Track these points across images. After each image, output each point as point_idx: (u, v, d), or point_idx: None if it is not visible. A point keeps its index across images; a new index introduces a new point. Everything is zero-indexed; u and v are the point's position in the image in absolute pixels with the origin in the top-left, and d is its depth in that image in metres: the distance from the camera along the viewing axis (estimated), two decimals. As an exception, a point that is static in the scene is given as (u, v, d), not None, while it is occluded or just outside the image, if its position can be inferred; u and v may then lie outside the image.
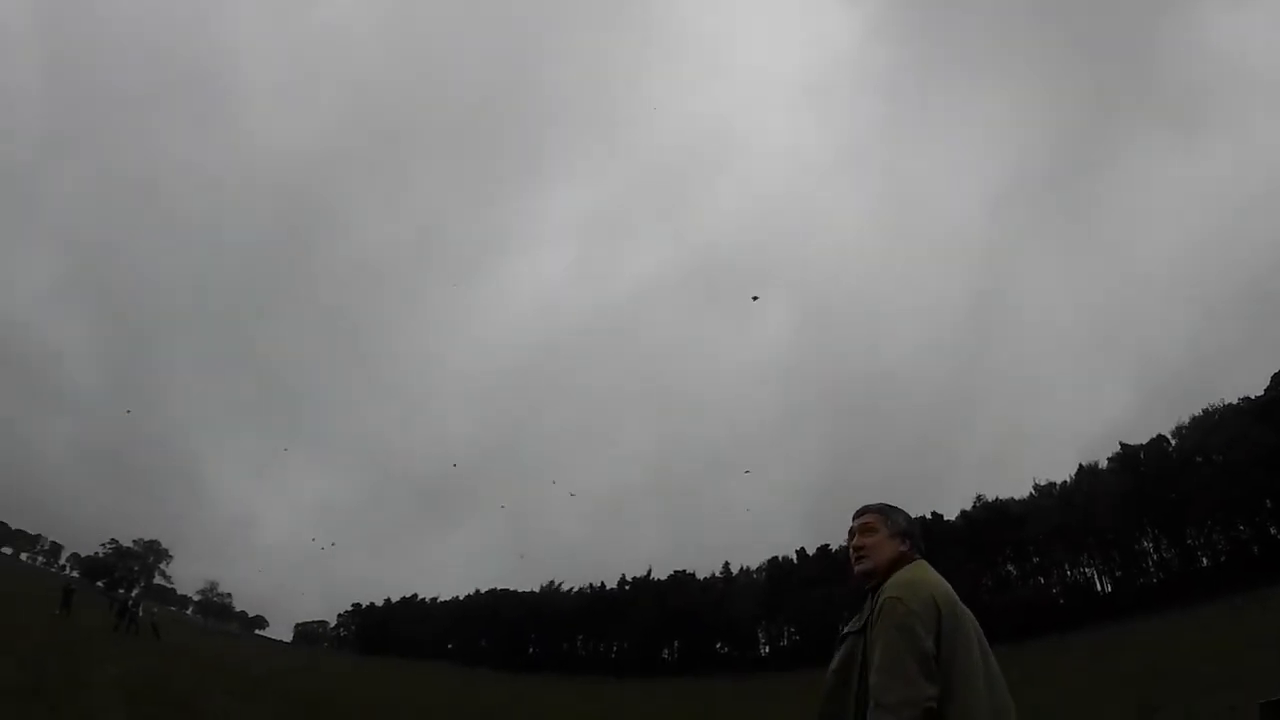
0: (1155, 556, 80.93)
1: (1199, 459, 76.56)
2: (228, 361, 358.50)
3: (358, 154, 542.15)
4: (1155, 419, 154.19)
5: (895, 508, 3.43)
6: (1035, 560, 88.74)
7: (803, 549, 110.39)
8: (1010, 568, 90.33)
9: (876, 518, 3.39)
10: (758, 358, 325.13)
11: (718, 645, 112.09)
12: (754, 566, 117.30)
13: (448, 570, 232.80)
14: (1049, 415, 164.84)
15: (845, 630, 3.23)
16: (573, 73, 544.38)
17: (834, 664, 3.18)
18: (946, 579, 3.12)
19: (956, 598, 3.02)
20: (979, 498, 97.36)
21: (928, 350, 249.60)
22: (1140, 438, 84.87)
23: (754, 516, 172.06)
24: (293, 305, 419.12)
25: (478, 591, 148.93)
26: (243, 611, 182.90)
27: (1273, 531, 71.02)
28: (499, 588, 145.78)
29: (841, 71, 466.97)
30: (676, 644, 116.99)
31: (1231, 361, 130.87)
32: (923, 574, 3.11)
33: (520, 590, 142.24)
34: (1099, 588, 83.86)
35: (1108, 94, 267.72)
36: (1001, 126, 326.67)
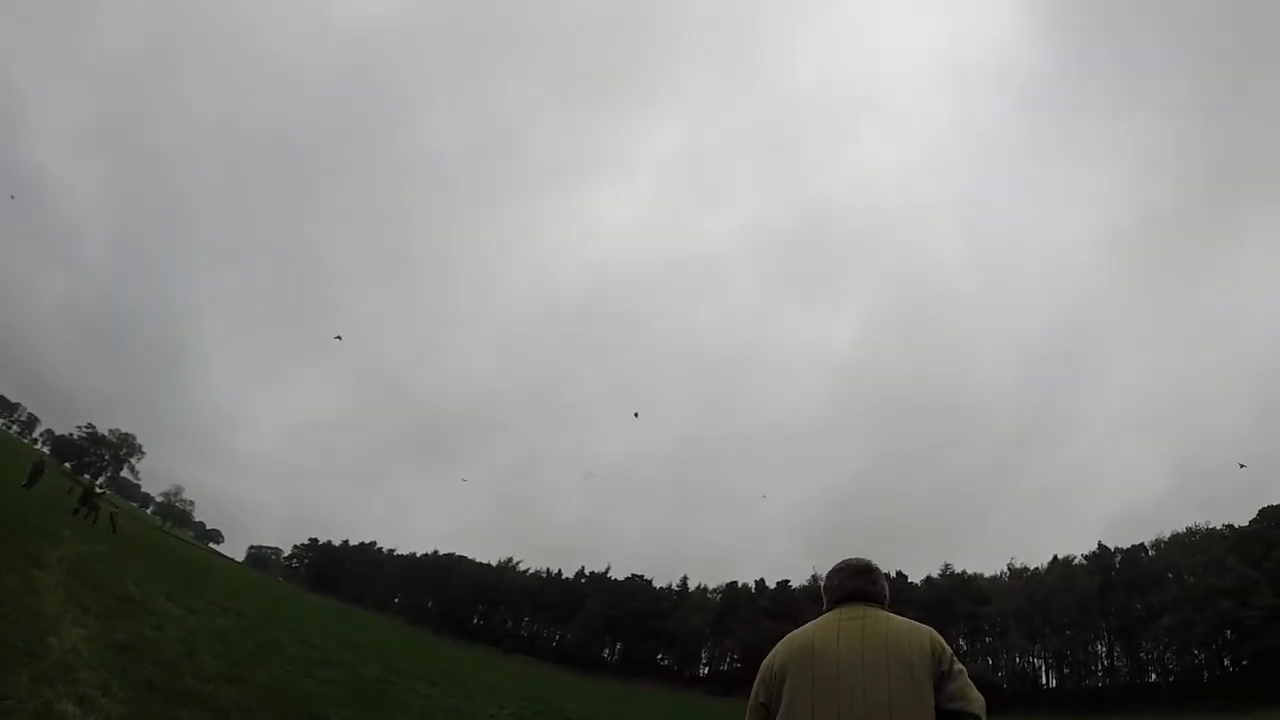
0: (1106, 662, 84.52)
1: (1170, 576, 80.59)
2: (253, 247, 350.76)
3: (444, 37, 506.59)
4: (1173, 514, 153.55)
5: (830, 569, 3.85)
6: (988, 640, 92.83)
7: (762, 580, 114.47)
8: (962, 642, 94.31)
9: None
10: (819, 351, 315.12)
11: (659, 655, 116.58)
12: (712, 587, 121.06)
13: (415, 519, 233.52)
14: (1089, 484, 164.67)
15: None
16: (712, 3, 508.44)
17: None
18: None
19: (808, 643, 3.41)
20: (946, 566, 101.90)
21: (993, 385, 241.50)
22: (1150, 534, 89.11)
23: (756, 529, 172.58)
24: (340, 196, 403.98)
25: (435, 552, 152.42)
26: (201, 522, 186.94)
27: (1226, 663, 74.66)
28: (456, 553, 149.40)
29: (989, 66, 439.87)
30: (619, 645, 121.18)
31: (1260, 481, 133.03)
32: (792, 633, 3.58)
33: (477, 560, 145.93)
34: (1044, 680, 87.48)
35: (1255, 163, 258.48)
36: (1138, 166, 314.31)
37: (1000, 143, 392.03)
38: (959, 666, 3.29)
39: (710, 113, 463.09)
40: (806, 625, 3.62)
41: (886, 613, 3.55)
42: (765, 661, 3.57)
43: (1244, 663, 71.18)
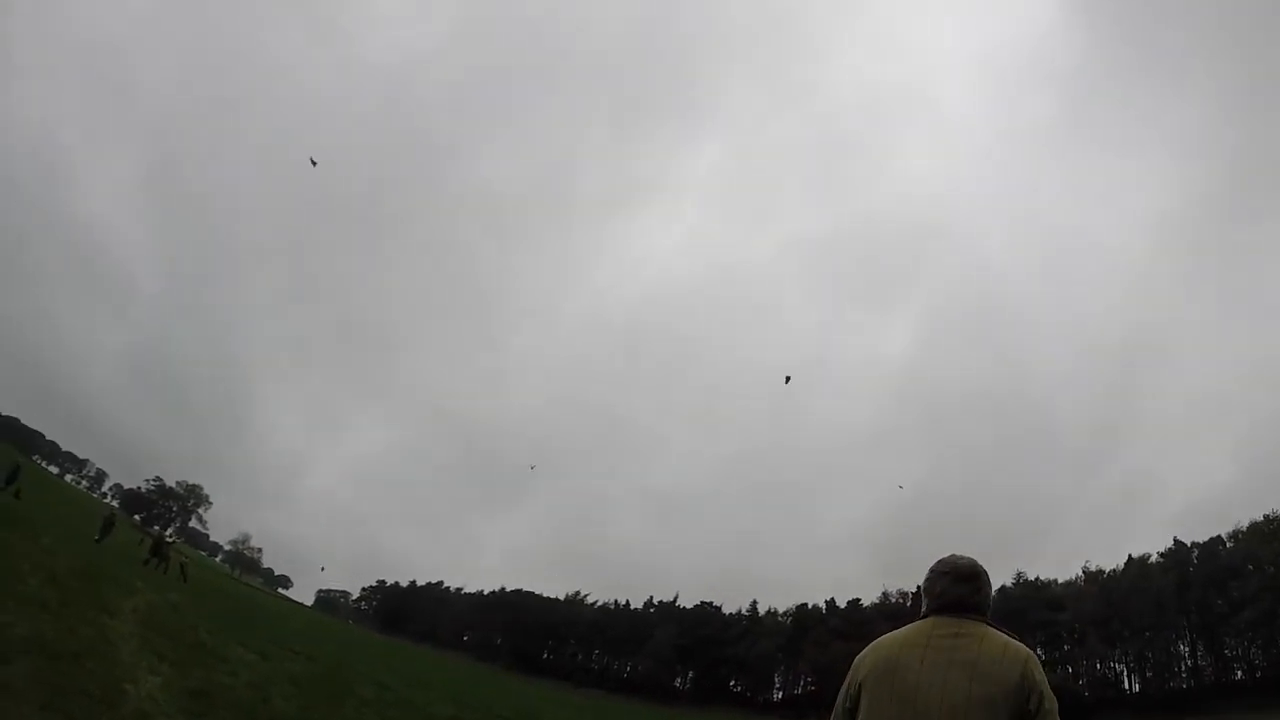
0: (1190, 662, 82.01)
1: (1250, 567, 77.92)
2: (309, 292, 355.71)
3: (488, 75, 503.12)
4: (1250, 503, 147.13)
5: (932, 568, 3.64)
6: (1066, 648, 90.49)
7: (832, 599, 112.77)
8: (1039, 651, 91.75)
9: None
10: (879, 362, 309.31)
11: (731, 682, 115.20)
12: (782, 609, 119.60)
13: (482, 557, 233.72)
14: (1162, 479, 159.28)
15: None
16: (745, 15, 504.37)
17: None
18: None
19: (893, 653, 3.32)
20: (1019, 574, 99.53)
21: (1056, 385, 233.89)
22: (1227, 526, 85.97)
23: (821, 548, 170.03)
24: (394, 235, 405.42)
25: (503, 589, 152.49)
26: (269, 569, 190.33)
27: (1315, 653, 71.70)
28: (524, 589, 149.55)
29: (1025, 61, 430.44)
30: (691, 674, 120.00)
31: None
32: (882, 639, 3.50)
33: (545, 595, 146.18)
34: (1127, 685, 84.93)
35: None
36: (1182, 147, 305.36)
37: (1042, 137, 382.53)
38: (1049, 706, 3.08)
39: (754, 128, 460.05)
40: (898, 632, 3.49)
41: (985, 628, 3.34)
42: (854, 663, 3.51)
43: (1334, 651, 68.77)
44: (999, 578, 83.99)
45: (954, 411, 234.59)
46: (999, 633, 3.33)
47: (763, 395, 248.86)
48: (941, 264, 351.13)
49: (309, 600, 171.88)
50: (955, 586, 3.50)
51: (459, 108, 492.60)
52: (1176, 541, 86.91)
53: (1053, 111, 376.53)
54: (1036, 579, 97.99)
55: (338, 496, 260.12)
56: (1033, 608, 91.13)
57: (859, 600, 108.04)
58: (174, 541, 40.50)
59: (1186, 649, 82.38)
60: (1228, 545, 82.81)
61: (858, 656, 3.52)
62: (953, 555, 3.68)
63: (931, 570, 3.65)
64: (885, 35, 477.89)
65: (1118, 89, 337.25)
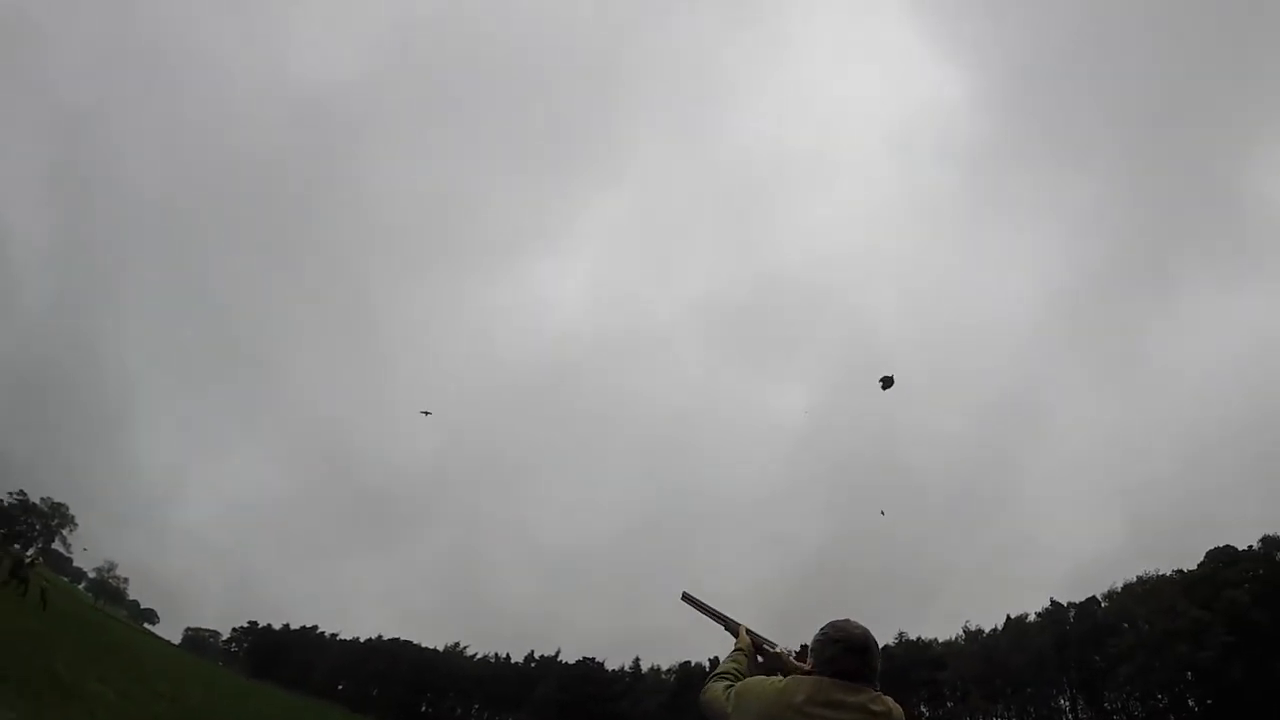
0: (1071, 716, 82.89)
1: (1125, 625, 79.78)
2: (195, 304, 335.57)
3: (400, 102, 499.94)
4: (1125, 565, 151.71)
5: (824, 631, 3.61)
6: (949, 705, 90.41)
7: (715, 658, 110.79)
8: (923, 708, 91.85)
9: None
10: (771, 423, 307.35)
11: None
12: (665, 667, 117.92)
13: (361, 602, 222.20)
14: (1042, 543, 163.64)
15: None
16: (663, 67, 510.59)
17: None
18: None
19: (770, 712, 3.33)
20: (901, 634, 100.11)
21: (944, 450, 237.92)
22: (1101, 586, 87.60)
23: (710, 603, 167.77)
24: (286, 253, 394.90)
25: (380, 637, 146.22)
26: (135, 601, 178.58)
27: (1190, 704, 73.95)
28: (402, 638, 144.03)
29: (933, 134, 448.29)
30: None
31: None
32: (758, 681, 3.58)
33: (423, 645, 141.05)
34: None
35: (1185, 222, 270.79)
36: (1074, 227, 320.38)
37: (943, 207, 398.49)
38: None
39: (662, 181, 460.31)
40: (780, 685, 3.52)
41: (868, 696, 3.39)
42: (735, 698, 3.56)
43: (1208, 701, 70.26)
44: (882, 637, 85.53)
45: (843, 476, 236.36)
46: (882, 699, 3.43)
47: (655, 452, 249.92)
48: (839, 327, 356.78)
49: (176, 638, 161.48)
50: (845, 656, 3.50)
51: (364, 134, 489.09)
52: (1053, 602, 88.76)
53: (955, 184, 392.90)
54: (918, 639, 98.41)
55: (214, 529, 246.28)
56: (915, 666, 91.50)
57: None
58: (34, 563, 38.35)
59: (1067, 703, 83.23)
60: (1103, 605, 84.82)
61: (736, 690, 3.61)
62: (846, 621, 3.66)
63: (823, 633, 3.63)
64: (800, 102, 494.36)
65: (1018, 169, 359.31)
